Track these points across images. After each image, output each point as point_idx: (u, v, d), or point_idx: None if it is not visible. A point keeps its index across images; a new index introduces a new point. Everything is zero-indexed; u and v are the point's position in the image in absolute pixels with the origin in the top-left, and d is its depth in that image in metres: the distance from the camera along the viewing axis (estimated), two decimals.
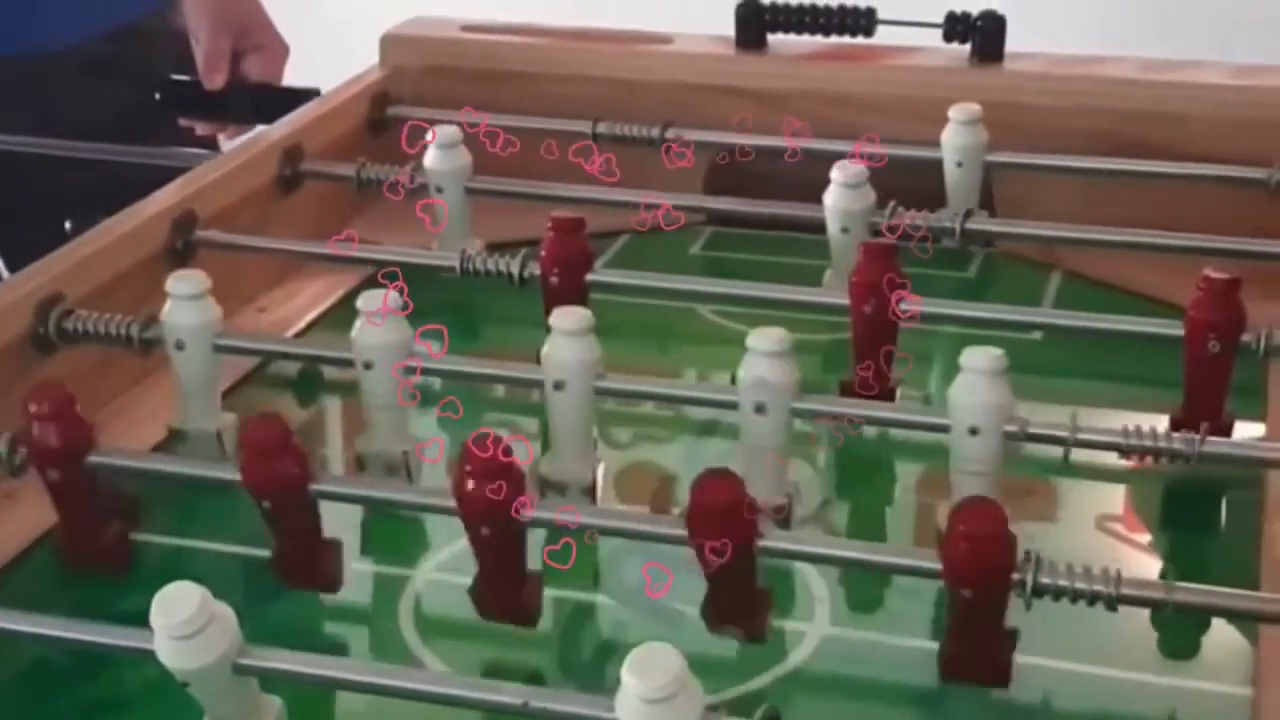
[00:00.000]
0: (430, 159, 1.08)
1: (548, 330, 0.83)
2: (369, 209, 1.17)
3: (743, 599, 0.70)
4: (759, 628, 0.70)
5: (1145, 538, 0.85)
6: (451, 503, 0.70)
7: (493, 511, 0.69)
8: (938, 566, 0.66)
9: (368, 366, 0.83)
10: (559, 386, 0.80)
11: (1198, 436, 0.77)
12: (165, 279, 0.91)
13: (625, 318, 1.01)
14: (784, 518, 0.79)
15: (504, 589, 0.72)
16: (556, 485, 0.82)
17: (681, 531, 0.67)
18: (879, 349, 0.88)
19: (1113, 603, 0.66)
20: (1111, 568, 0.67)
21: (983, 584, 0.65)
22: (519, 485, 0.69)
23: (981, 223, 1.04)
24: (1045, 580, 0.66)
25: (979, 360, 0.76)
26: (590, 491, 0.82)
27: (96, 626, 0.65)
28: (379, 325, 0.82)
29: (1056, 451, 0.79)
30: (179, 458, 0.85)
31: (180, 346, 0.85)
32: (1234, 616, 0.72)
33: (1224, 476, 0.86)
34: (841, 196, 1.00)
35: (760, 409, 0.78)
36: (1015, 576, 0.66)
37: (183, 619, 0.60)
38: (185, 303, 0.85)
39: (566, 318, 0.81)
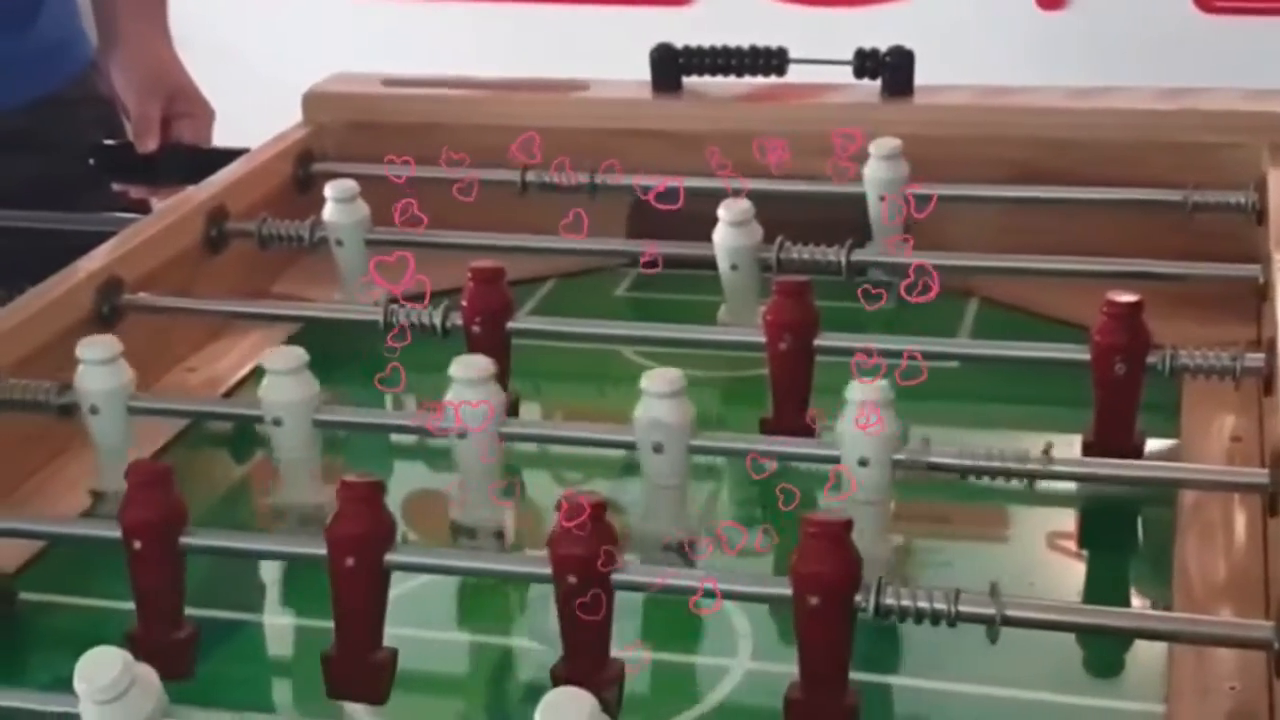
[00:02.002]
0: (328, 212, 1.09)
1: None
2: (294, 265, 1.19)
3: (595, 649, 0.69)
4: (608, 699, 0.69)
5: (1065, 558, 0.87)
6: None
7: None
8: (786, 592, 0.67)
9: (277, 423, 0.84)
10: (462, 435, 0.82)
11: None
12: None
13: (550, 363, 1.03)
14: (688, 554, 0.80)
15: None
16: (467, 530, 0.84)
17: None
18: (795, 385, 0.90)
19: (954, 620, 0.68)
20: (952, 588, 0.68)
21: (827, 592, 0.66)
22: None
23: (869, 255, 1.06)
24: (889, 601, 0.68)
25: (865, 393, 0.78)
26: (500, 536, 0.83)
27: (20, 692, 0.66)
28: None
29: (970, 478, 0.80)
30: (51, 518, 0.86)
31: (94, 411, 0.86)
32: (1064, 630, 0.73)
33: (1141, 495, 0.88)
34: (729, 234, 1.02)
35: (658, 449, 0.80)
36: (858, 598, 0.67)
37: (105, 683, 0.60)
38: (96, 367, 0.86)
39: (467, 367, 0.82)
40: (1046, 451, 0.79)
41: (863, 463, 0.78)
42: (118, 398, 0.87)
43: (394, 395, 1.07)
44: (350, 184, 1.10)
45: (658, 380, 0.80)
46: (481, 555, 0.81)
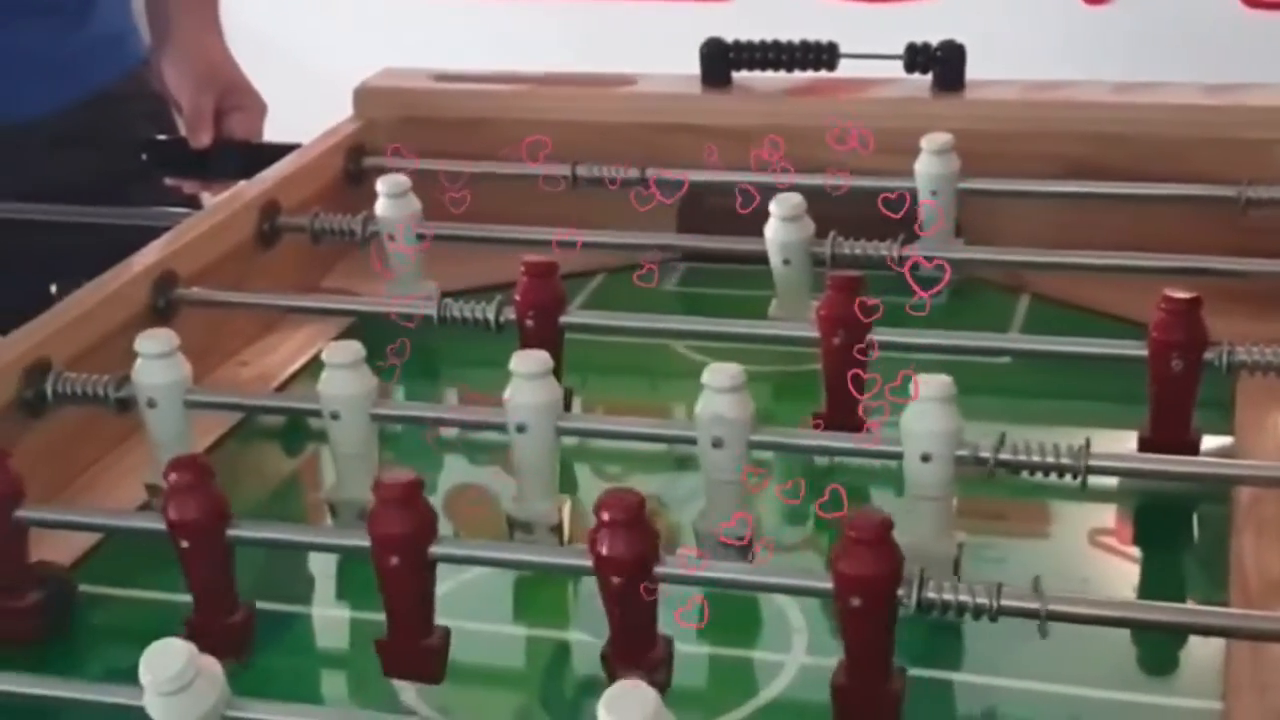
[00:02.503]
0: (381, 207, 1.10)
1: None
2: (346, 259, 1.19)
3: (642, 636, 0.70)
4: (659, 680, 0.70)
5: (1118, 556, 0.87)
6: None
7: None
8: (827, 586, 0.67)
9: (334, 417, 0.84)
10: (521, 429, 0.82)
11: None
12: None
13: (601, 358, 1.03)
14: (745, 549, 0.81)
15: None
16: (523, 525, 0.84)
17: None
18: (849, 380, 0.90)
19: (995, 615, 0.68)
20: (993, 581, 0.68)
21: (869, 591, 0.66)
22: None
23: (943, 250, 1.06)
24: (930, 595, 0.68)
25: (928, 388, 0.78)
26: (557, 530, 0.84)
27: (86, 685, 0.66)
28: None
29: (1024, 474, 0.80)
30: (106, 511, 0.87)
31: (152, 404, 0.87)
32: (1108, 625, 0.73)
33: (1196, 492, 0.88)
34: (781, 229, 1.02)
35: (717, 444, 0.80)
36: (900, 592, 0.67)
37: (170, 674, 0.61)
38: (154, 361, 0.87)
39: (526, 361, 0.82)
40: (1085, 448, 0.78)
41: (925, 458, 0.78)
42: (175, 391, 0.87)
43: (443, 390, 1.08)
44: (402, 179, 1.10)
45: (718, 375, 0.80)
46: (522, 548, 0.82)
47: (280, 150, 1.24)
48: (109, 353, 0.96)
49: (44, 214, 1.24)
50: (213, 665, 0.62)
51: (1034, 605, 0.68)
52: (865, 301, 0.89)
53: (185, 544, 0.73)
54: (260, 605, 0.77)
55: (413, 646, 0.72)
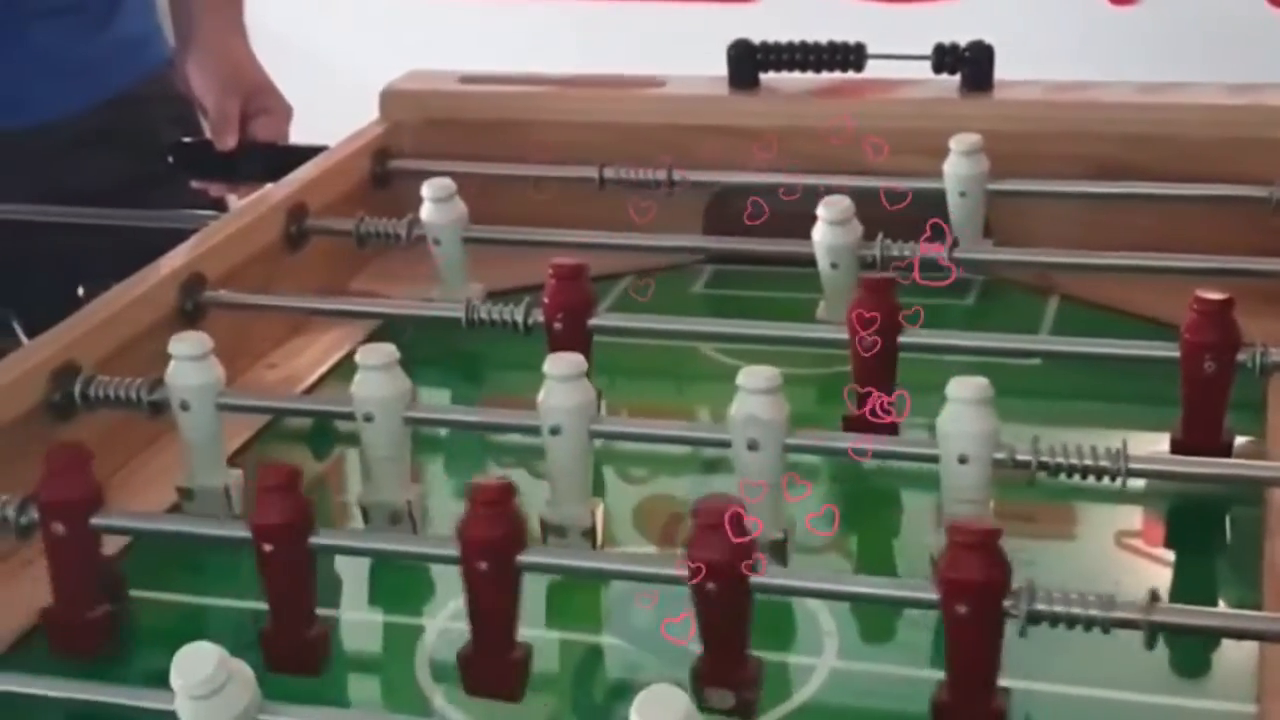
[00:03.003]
0: (426, 211, 1.09)
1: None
2: (374, 262, 1.19)
3: (734, 650, 0.69)
4: (749, 694, 0.69)
5: (1149, 559, 0.86)
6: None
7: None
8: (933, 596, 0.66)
9: (368, 419, 0.84)
10: (555, 431, 0.82)
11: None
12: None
13: (630, 360, 1.03)
14: (781, 552, 0.80)
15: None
16: (556, 529, 0.83)
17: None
18: (879, 382, 0.89)
19: (1107, 626, 0.67)
20: (1105, 591, 0.67)
21: (977, 599, 0.65)
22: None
23: (969, 251, 1.05)
24: (1040, 607, 0.66)
25: (965, 390, 0.77)
26: (590, 534, 0.83)
27: (117, 688, 0.66)
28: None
29: (1062, 476, 0.80)
30: (182, 516, 0.86)
31: (185, 407, 0.87)
32: (1226, 636, 0.72)
33: (1227, 495, 0.87)
34: (829, 232, 1.02)
35: (753, 446, 0.79)
36: (1008, 603, 0.66)
37: (202, 678, 0.60)
38: (188, 363, 0.86)
39: (560, 364, 0.82)
40: (1123, 450, 0.78)
41: (962, 460, 0.77)
42: (208, 394, 0.87)
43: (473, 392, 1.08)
44: (447, 182, 1.10)
45: (754, 377, 0.79)
46: (608, 557, 0.81)
47: (306, 153, 1.24)
48: (137, 355, 0.96)
49: (71, 216, 1.24)
50: (244, 670, 0.62)
51: (1145, 617, 0.66)
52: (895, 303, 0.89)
53: (268, 549, 0.72)
54: None
55: (496, 662, 0.71)
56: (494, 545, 0.69)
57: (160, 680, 0.61)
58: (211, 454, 0.88)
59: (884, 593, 0.71)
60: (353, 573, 0.84)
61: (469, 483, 0.70)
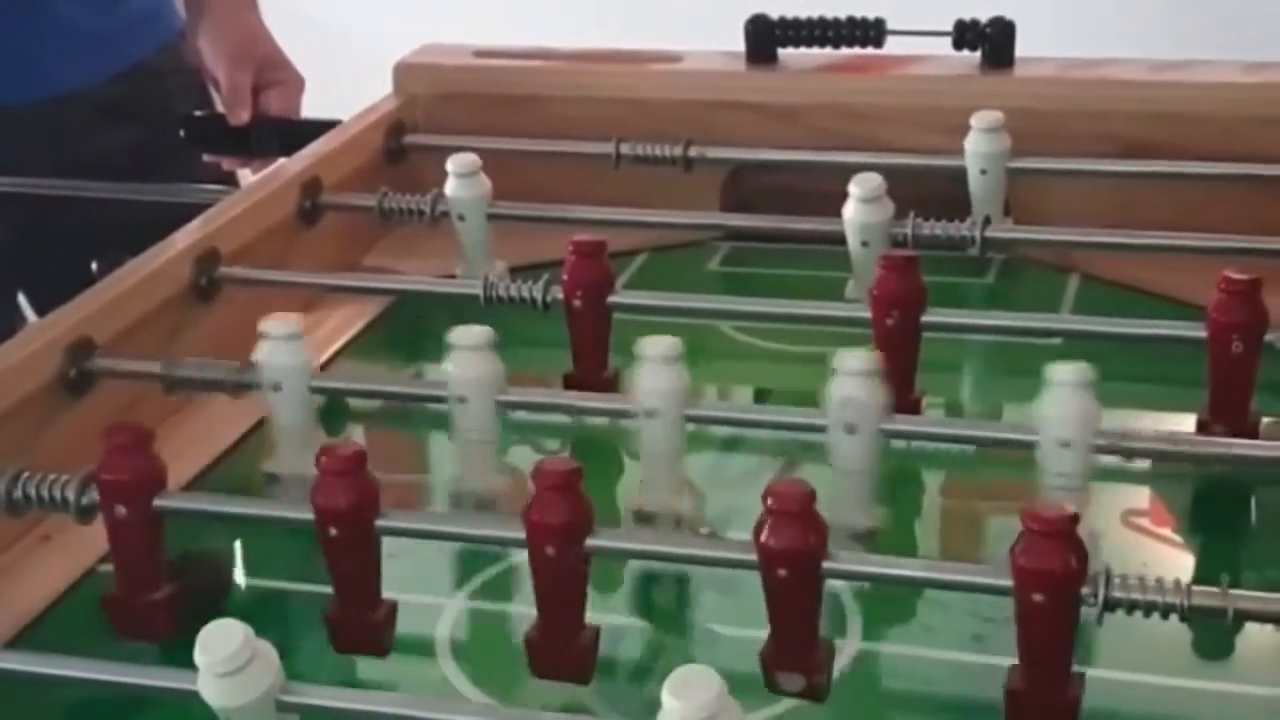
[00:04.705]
0: (451, 186, 1.09)
1: (576, 353, 0.81)
2: (388, 237, 1.18)
3: (804, 635, 0.69)
4: (818, 677, 0.69)
5: (1174, 542, 0.86)
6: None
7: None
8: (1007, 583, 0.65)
9: (462, 401, 0.83)
10: (651, 415, 0.80)
11: None
12: (191, 316, 0.93)
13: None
14: (873, 539, 0.79)
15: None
16: (648, 516, 0.82)
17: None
18: (902, 361, 0.88)
19: (1185, 614, 0.65)
20: (1176, 578, 0.66)
21: (1053, 588, 0.64)
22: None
23: (1002, 230, 1.04)
24: (1118, 594, 0.65)
25: (1067, 374, 0.76)
26: (680, 522, 0.82)
27: (139, 668, 0.66)
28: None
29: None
30: (245, 498, 0.84)
31: (277, 388, 0.85)
32: None
33: (1253, 476, 0.86)
34: (860, 210, 1.01)
35: (850, 430, 0.78)
36: (1085, 590, 0.65)
37: (225, 655, 0.60)
38: (281, 344, 0.85)
39: (655, 346, 0.80)
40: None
41: (1064, 445, 0.76)
42: (300, 376, 0.85)
43: None
44: (472, 158, 1.09)
45: (852, 358, 0.78)
46: (677, 539, 0.78)
47: (318, 127, 1.23)
48: (151, 331, 0.96)
49: (84, 190, 1.23)
50: (268, 648, 0.61)
51: (1223, 604, 0.65)
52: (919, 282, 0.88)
53: (333, 531, 0.71)
54: (310, 588, 0.77)
55: (564, 645, 0.70)
56: (561, 530, 0.68)
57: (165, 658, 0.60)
58: (301, 438, 0.86)
59: (957, 578, 0.69)
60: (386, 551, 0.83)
61: (535, 464, 0.69)
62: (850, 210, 1.01)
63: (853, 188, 1.01)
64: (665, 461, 0.82)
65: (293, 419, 0.86)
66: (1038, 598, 0.64)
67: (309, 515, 0.71)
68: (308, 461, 0.80)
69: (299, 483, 0.85)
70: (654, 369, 0.80)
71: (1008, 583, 0.65)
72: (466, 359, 0.83)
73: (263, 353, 0.86)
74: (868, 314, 0.89)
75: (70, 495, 0.76)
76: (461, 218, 1.09)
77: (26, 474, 0.77)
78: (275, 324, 0.86)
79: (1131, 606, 0.65)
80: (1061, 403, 0.76)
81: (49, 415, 0.88)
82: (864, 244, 1.01)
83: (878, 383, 0.78)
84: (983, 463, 0.89)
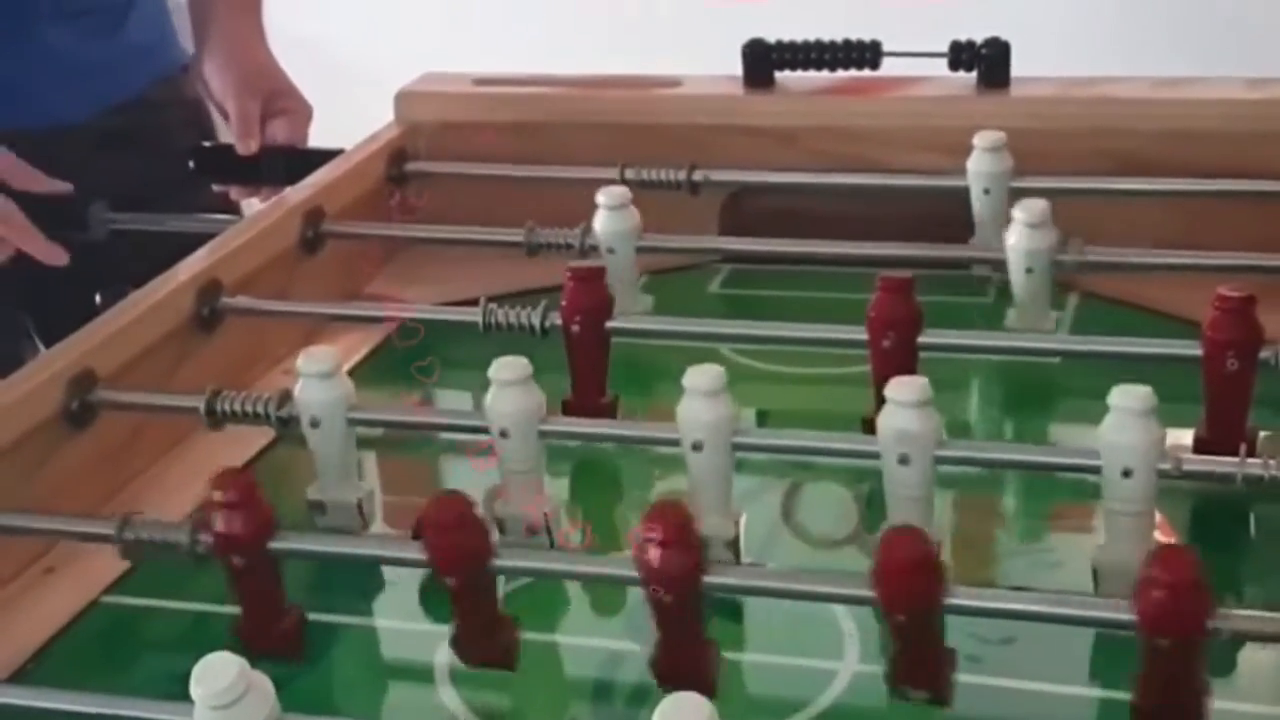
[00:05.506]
0: (600, 220, 1.07)
1: (575, 379, 0.81)
2: (389, 265, 1.19)
3: (929, 659, 0.69)
4: (944, 689, 0.69)
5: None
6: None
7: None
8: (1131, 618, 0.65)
9: (504, 435, 0.83)
10: (697, 447, 0.80)
11: None
12: (193, 347, 0.93)
13: (646, 361, 1.02)
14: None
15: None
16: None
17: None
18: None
19: None
20: None
21: (1182, 633, 0.64)
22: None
23: (996, 250, 1.04)
24: (1244, 626, 0.65)
25: (1129, 399, 0.75)
26: (733, 545, 0.81)
27: (138, 701, 0.66)
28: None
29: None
30: (358, 538, 0.85)
31: (315, 424, 0.86)
32: None
33: (1250, 493, 0.86)
34: (1026, 236, 0.99)
35: (904, 460, 0.77)
36: (1211, 624, 0.64)
37: (221, 688, 0.60)
38: (317, 381, 0.85)
39: (701, 377, 0.80)
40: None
41: (1126, 474, 0.75)
42: (338, 409, 0.85)
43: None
44: (623, 191, 1.08)
45: (906, 389, 0.77)
46: (792, 576, 0.76)
47: (326, 156, 1.24)
48: (154, 362, 0.96)
49: None
50: (263, 680, 0.62)
51: None
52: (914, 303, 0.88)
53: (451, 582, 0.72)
54: (313, 617, 0.77)
55: (689, 662, 0.70)
56: (677, 572, 0.68)
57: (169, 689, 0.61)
58: (343, 468, 0.87)
59: (1078, 613, 0.68)
60: (364, 578, 0.84)
61: (650, 505, 0.69)
62: (1015, 236, 1.00)
63: (1017, 213, 0.99)
64: (714, 489, 0.81)
65: (332, 450, 0.87)
66: (1163, 643, 0.64)
67: (412, 555, 0.72)
68: (349, 490, 0.86)
69: (342, 510, 0.87)
70: (699, 401, 0.79)
71: (1131, 618, 0.64)
72: (507, 393, 0.82)
73: (300, 389, 0.86)
74: (865, 335, 0.89)
75: (182, 541, 0.77)
76: (611, 250, 1.07)
77: (138, 517, 0.78)
78: (311, 361, 0.85)
79: (1261, 639, 0.66)
80: (1123, 429, 0.75)
81: (52, 447, 0.89)
82: (1028, 270, 1.00)
83: (931, 412, 0.77)
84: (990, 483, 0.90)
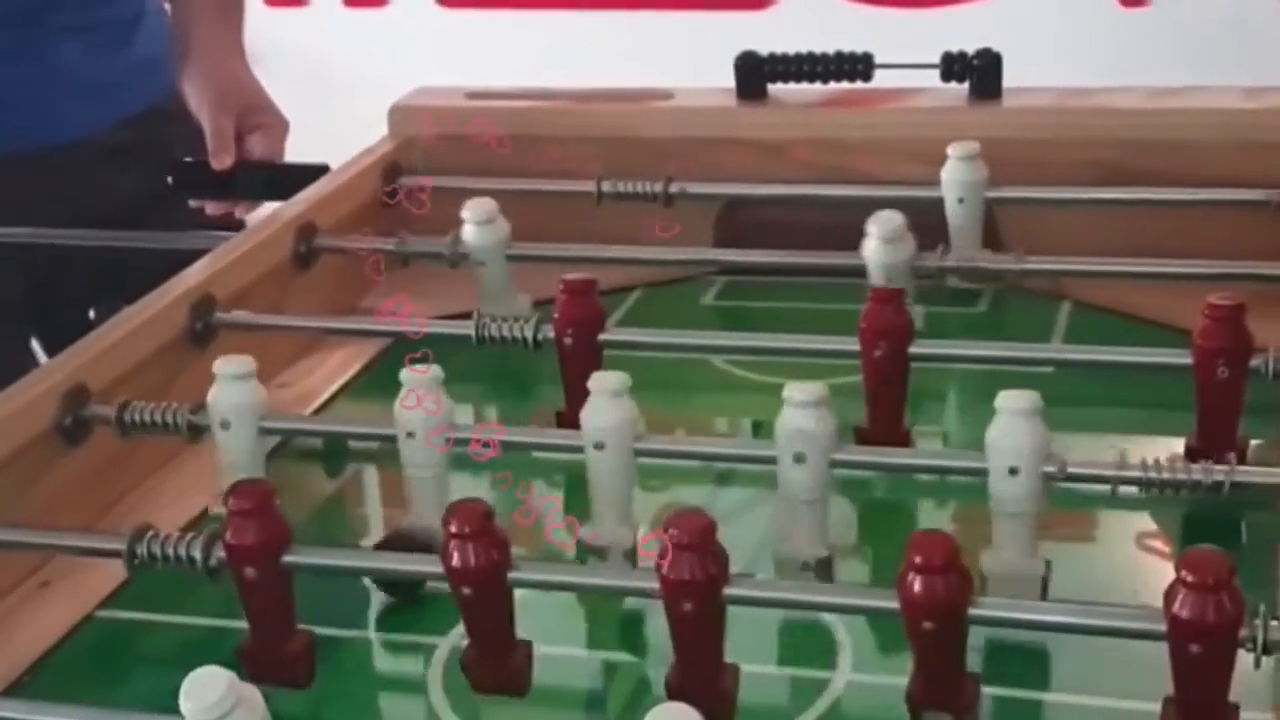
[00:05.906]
0: (469, 233, 1.09)
1: (568, 391, 0.82)
2: (385, 279, 1.19)
3: (951, 674, 0.68)
4: (967, 709, 0.69)
5: (1166, 565, 0.86)
6: None
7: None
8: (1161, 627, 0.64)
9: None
10: (599, 447, 0.81)
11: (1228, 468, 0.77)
12: (187, 362, 0.93)
13: (640, 373, 1.02)
14: (826, 571, 0.79)
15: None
16: (598, 550, 0.82)
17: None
18: (891, 393, 0.89)
19: None
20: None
21: (1212, 638, 0.63)
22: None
23: (986, 260, 1.05)
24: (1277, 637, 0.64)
25: (1015, 402, 0.76)
26: (631, 555, 0.82)
27: (130, 715, 0.66)
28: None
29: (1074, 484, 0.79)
30: (373, 552, 0.84)
31: (225, 426, 0.86)
32: None
33: (1241, 500, 0.86)
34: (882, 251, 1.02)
35: (799, 459, 0.78)
36: (1244, 633, 0.64)
37: (211, 702, 0.60)
38: (231, 383, 0.86)
39: (604, 380, 0.81)
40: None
41: (1013, 471, 0.76)
42: (250, 414, 0.86)
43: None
44: (490, 203, 1.09)
45: (801, 391, 0.78)
46: (824, 589, 0.77)
47: (305, 170, 1.24)
48: (148, 377, 0.96)
49: (82, 239, 1.24)
50: (253, 694, 0.62)
51: None
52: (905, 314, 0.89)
53: (466, 591, 0.70)
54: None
55: (706, 687, 0.70)
56: (700, 587, 0.68)
57: (163, 703, 0.61)
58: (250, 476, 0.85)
59: (1111, 624, 0.68)
60: (365, 593, 0.84)
61: (669, 517, 0.68)
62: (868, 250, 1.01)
63: (870, 226, 1.01)
64: (613, 495, 0.82)
65: (240, 457, 0.87)
66: (1194, 649, 0.63)
67: (431, 568, 0.71)
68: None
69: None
70: (601, 402, 0.81)
71: (1161, 628, 0.64)
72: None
73: (213, 393, 0.87)
74: (857, 346, 0.90)
75: (196, 554, 0.76)
76: (481, 263, 1.09)
77: (152, 532, 0.78)
78: (227, 364, 0.87)
79: None
80: (1009, 431, 0.77)
81: (45, 462, 0.89)
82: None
83: (826, 413, 0.78)
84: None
